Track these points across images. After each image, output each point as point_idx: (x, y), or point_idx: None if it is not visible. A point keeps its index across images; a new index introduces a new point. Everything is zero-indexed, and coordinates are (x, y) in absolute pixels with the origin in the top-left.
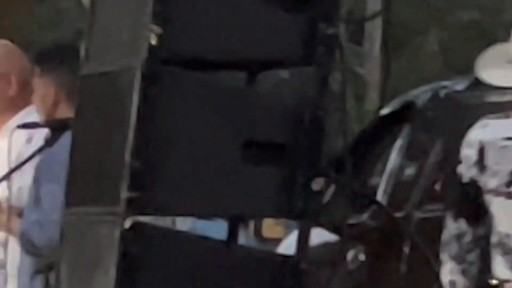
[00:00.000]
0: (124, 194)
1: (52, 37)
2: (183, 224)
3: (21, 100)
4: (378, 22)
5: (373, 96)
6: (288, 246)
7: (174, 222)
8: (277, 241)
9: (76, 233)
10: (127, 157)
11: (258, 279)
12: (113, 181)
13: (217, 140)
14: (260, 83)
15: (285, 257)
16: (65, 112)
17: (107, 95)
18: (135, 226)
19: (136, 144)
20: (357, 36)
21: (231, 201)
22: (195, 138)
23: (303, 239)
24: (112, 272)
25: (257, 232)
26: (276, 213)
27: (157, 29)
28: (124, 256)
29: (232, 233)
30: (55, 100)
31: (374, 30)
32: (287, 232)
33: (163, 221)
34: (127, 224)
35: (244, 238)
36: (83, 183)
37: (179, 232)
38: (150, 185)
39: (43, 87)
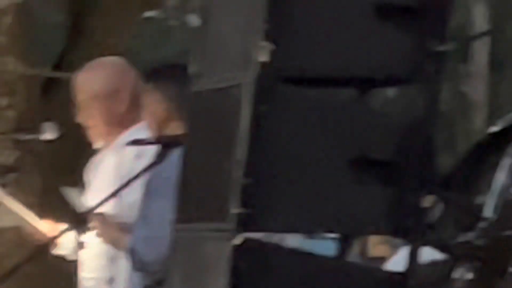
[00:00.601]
0: (235, 210)
1: (158, 55)
2: (291, 242)
3: (131, 116)
4: (484, 39)
5: (478, 114)
6: (394, 264)
7: (282, 240)
8: (382, 260)
9: (186, 249)
10: (238, 173)
11: None
12: (223, 197)
13: (326, 157)
14: (369, 100)
15: (394, 274)
16: (175, 128)
17: (218, 111)
18: (245, 242)
19: (247, 160)
20: (463, 53)
21: (340, 218)
22: (305, 155)
23: (412, 257)
24: None
25: (363, 250)
26: (385, 231)
27: (269, 45)
28: (234, 272)
29: (342, 250)
30: (165, 116)
31: (481, 47)
32: (393, 251)
33: (272, 238)
34: (238, 240)
35: (350, 256)
36: (193, 199)
37: (288, 248)
38: (260, 202)
39: (154, 103)
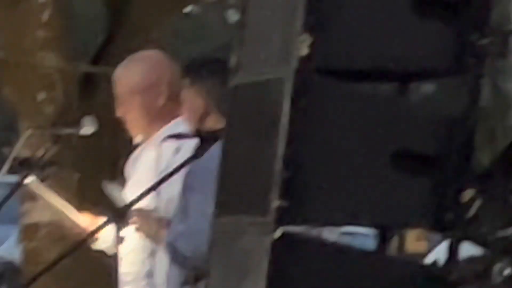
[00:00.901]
0: (274, 203)
1: (197, 50)
2: (329, 237)
3: (170, 110)
4: None
5: None
6: (433, 260)
7: (320, 233)
8: (420, 256)
9: (225, 243)
10: (278, 167)
11: None
12: (263, 191)
13: (367, 150)
14: (410, 93)
15: (434, 269)
16: (214, 123)
17: (258, 105)
18: (285, 236)
19: (287, 154)
20: (501, 48)
21: (379, 212)
22: (345, 148)
23: (451, 252)
24: (262, 282)
25: (401, 246)
26: (424, 225)
27: (308, 39)
28: (273, 266)
29: (382, 244)
30: (204, 111)
31: None
32: (431, 246)
33: (310, 232)
34: (277, 234)
35: (388, 252)
36: (233, 193)
37: (328, 242)
38: (300, 195)
39: (193, 98)
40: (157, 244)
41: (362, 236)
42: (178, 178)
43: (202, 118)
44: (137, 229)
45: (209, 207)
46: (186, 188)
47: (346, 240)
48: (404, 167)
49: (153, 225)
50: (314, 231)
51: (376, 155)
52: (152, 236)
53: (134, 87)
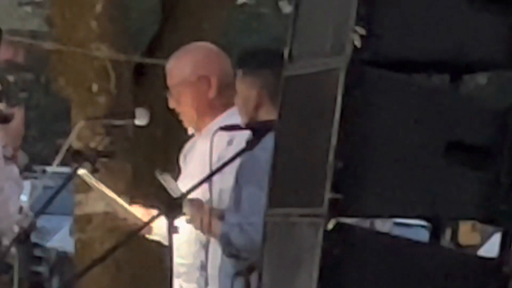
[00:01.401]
0: (328, 195)
1: (250, 41)
2: (381, 228)
3: (221, 102)
4: None
5: None
6: (486, 252)
7: (372, 225)
8: (473, 248)
9: (278, 234)
10: (331, 158)
11: (460, 280)
12: (316, 182)
13: (419, 141)
14: (463, 85)
15: (488, 260)
16: (267, 114)
17: (311, 96)
18: (338, 227)
19: (340, 145)
20: None
21: (433, 203)
22: (398, 140)
23: (505, 243)
24: (315, 273)
25: (454, 238)
26: (478, 216)
27: (361, 30)
28: (326, 257)
29: (435, 235)
30: (257, 102)
31: None
32: (483, 239)
33: (363, 223)
34: (330, 225)
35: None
36: (286, 184)
37: (380, 233)
38: (353, 186)
39: (245, 89)
40: (210, 236)
41: (417, 228)
42: (230, 170)
43: (254, 110)
44: (190, 221)
45: (262, 199)
46: (239, 180)
47: (400, 232)
48: (457, 159)
49: (205, 217)
50: (366, 223)
51: (429, 146)
52: (204, 228)
53: (186, 79)
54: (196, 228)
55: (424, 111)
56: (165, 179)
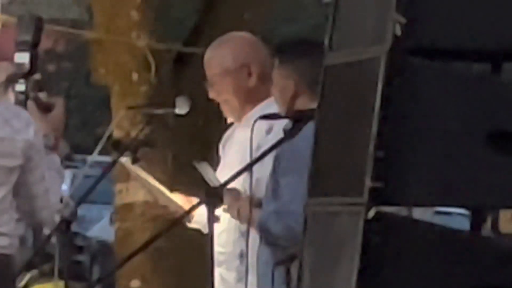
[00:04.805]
0: (368, 184)
1: (290, 31)
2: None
3: (261, 91)
4: None
5: None
6: None
7: (410, 213)
8: None
9: (319, 223)
10: (371, 147)
11: (503, 270)
12: (357, 171)
13: (461, 130)
14: (504, 73)
15: None
16: (304, 103)
17: (351, 85)
18: (378, 216)
19: (380, 134)
20: None
21: (475, 192)
22: (440, 128)
23: None
24: (356, 262)
25: (494, 226)
26: None
27: (402, 19)
28: (367, 246)
29: (476, 224)
30: (294, 91)
31: None
32: None
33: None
34: (371, 214)
35: (482, 232)
36: (326, 173)
37: (421, 222)
38: (394, 175)
39: (283, 78)
40: (250, 224)
41: (457, 216)
42: (268, 159)
43: (292, 99)
44: (228, 210)
45: (301, 188)
46: (278, 169)
47: (440, 220)
48: (498, 147)
49: (246, 206)
50: (404, 211)
51: (470, 135)
52: (241, 217)
53: (225, 68)
54: (233, 217)
55: (466, 100)
56: (203, 168)
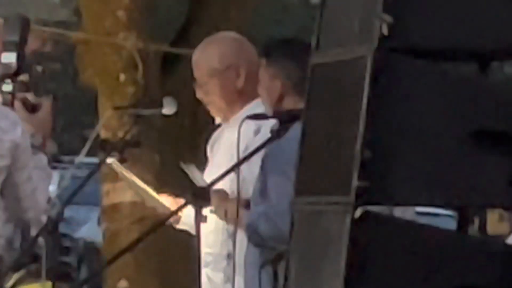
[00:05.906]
0: (355, 183)
1: (276, 32)
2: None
3: (249, 92)
4: None
5: None
6: None
7: (391, 213)
8: (501, 237)
9: (305, 223)
10: (358, 146)
11: (489, 269)
12: (343, 170)
13: (447, 129)
14: (491, 73)
15: None
16: (291, 104)
17: (338, 85)
18: (365, 215)
19: (367, 133)
20: None
21: (460, 191)
22: (425, 127)
23: None
24: (342, 262)
25: (482, 228)
26: (505, 204)
27: (388, 18)
28: (354, 245)
29: (462, 223)
30: (281, 92)
31: None
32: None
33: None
34: (357, 213)
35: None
36: (313, 172)
37: (408, 221)
38: (380, 175)
39: (270, 78)
40: (237, 225)
41: (444, 217)
42: (255, 159)
43: (279, 99)
44: (213, 211)
45: (289, 188)
46: (265, 169)
47: (427, 221)
48: (485, 147)
49: (230, 207)
50: (385, 210)
51: (456, 134)
52: (229, 218)
53: (213, 69)
54: (220, 218)
55: (452, 99)
56: (190, 170)
